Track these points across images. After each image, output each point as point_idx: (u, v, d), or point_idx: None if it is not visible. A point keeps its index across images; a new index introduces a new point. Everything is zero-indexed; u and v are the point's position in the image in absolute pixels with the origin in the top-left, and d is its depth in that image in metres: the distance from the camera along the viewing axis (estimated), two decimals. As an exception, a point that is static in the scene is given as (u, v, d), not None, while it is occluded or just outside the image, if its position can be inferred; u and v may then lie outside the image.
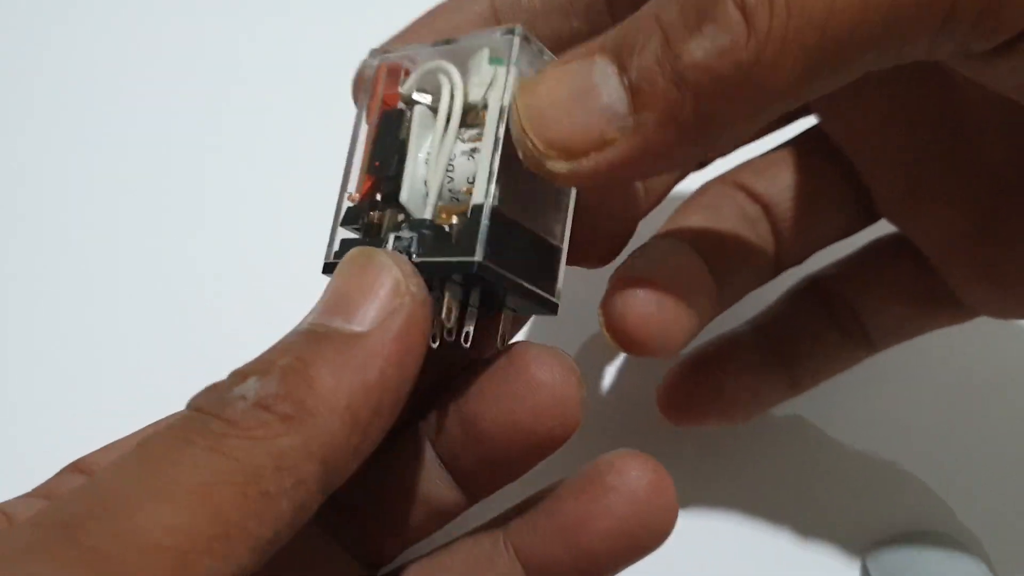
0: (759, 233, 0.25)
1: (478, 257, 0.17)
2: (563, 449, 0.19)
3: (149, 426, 0.19)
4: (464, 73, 0.19)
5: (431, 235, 0.18)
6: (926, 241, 0.24)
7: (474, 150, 0.18)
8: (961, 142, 0.23)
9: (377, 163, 0.19)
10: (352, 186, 0.20)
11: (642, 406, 0.29)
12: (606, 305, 0.21)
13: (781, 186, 0.25)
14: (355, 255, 0.17)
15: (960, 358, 0.30)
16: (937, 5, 0.15)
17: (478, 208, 0.17)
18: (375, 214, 0.19)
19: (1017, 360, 0.30)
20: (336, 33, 0.35)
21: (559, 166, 0.17)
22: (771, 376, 0.26)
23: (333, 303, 0.16)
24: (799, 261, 0.26)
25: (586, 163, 0.17)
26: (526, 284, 0.18)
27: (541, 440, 0.18)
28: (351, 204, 0.19)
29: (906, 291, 0.25)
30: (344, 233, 0.20)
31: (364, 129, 0.20)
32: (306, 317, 0.17)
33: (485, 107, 0.18)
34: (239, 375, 0.15)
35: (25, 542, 0.13)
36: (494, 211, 0.17)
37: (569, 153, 0.16)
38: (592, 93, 0.16)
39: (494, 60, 0.18)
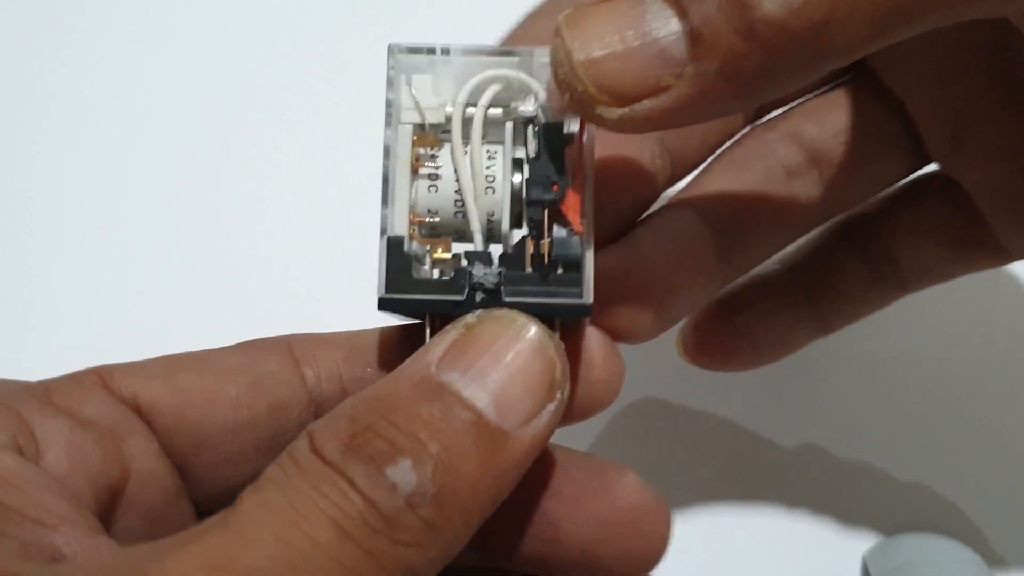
0: (796, 188, 0.23)
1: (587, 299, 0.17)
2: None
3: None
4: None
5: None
6: (974, 186, 0.23)
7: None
8: (1012, 95, 0.22)
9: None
10: None
11: (643, 404, 0.29)
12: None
13: (833, 130, 0.24)
14: (535, 346, 0.16)
15: (961, 358, 0.30)
16: None
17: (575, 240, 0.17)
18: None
19: (1018, 360, 0.30)
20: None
21: (610, 112, 0.16)
22: (800, 318, 0.25)
23: (481, 370, 0.15)
24: (847, 208, 0.25)
25: (639, 109, 0.16)
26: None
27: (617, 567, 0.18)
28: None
29: (946, 231, 0.24)
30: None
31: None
32: (433, 353, 0.15)
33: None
34: (387, 444, 0.14)
35: None
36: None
37: (622, 99, 0.16)
38: (648, 35, 0.15)
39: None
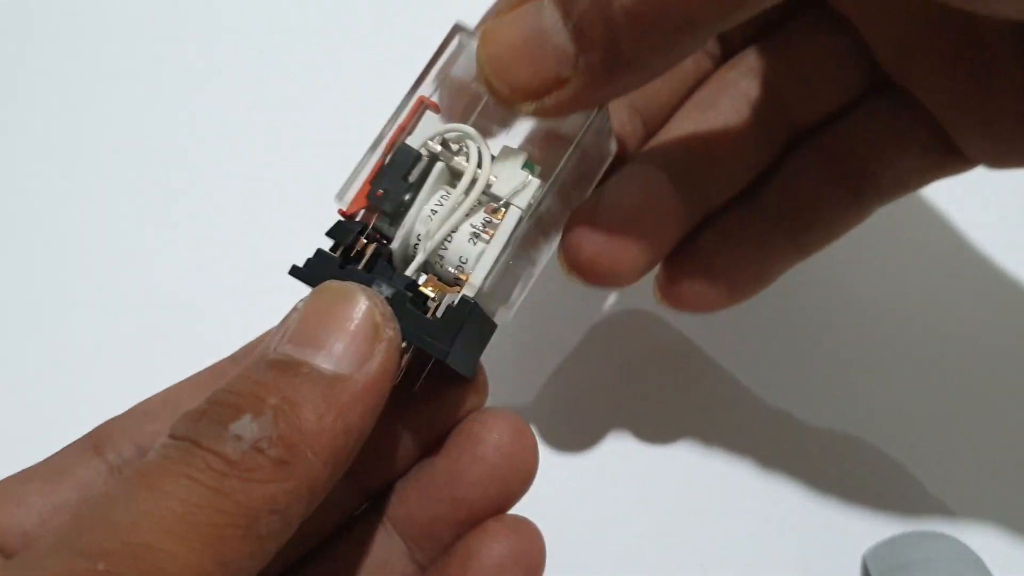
0: (760, 119, 0.25)
1: (451, 354, 0.18)
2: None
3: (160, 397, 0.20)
4: (493, 157, 0.20)
5: (411, 300, 0.18)
6: (928, 96, 0.24)
7: (477, 235, 0.19)
8: (947, 8, 0.23)
9: (380, 192, 0.19)
10: (348, 197, 0.20)
11: (643, 403, 0.30)
12: (564, 242, 0.22)
13: (790, 59, 0.25)
14: (332, 288, 0.17)
15: (960, 359, 0.30)
16: None
17: (465, 303, 0.18)
18: (362, 241, 0.19)
19: (1016, 362, 0.30)
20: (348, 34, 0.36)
21: (526, 107, 0.19)
22: (775, 247, 0.26)
23: (305, 334, 0.17)
24: (810, 132, 0.26)
25: (548, 101, 0.19)
26: (459, 372, 0.19)
27: (497, 501, 0.20)
28: (341, 218, 0.20)
29: (919, 142, 0.25)
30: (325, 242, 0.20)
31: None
32: (271, 340, 0.17)
33: (506, 206, 0.19)
34: (230, 408, 0.16)
35: (52, 575, 0.13)
36: (477, 309, 0.18)
37: (532, 95, 0.19)
38: (543, 38, 0.18)
39: (527, 166, 0.20)
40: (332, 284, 0.17)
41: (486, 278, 0.19)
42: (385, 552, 0.20)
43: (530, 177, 0.19)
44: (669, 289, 0.25)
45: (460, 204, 0.19)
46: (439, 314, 0.18)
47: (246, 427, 0.15)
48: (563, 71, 0.18)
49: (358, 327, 0.17)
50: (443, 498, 0.20)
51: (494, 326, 0.20)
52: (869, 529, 0.28)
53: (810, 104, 0.25)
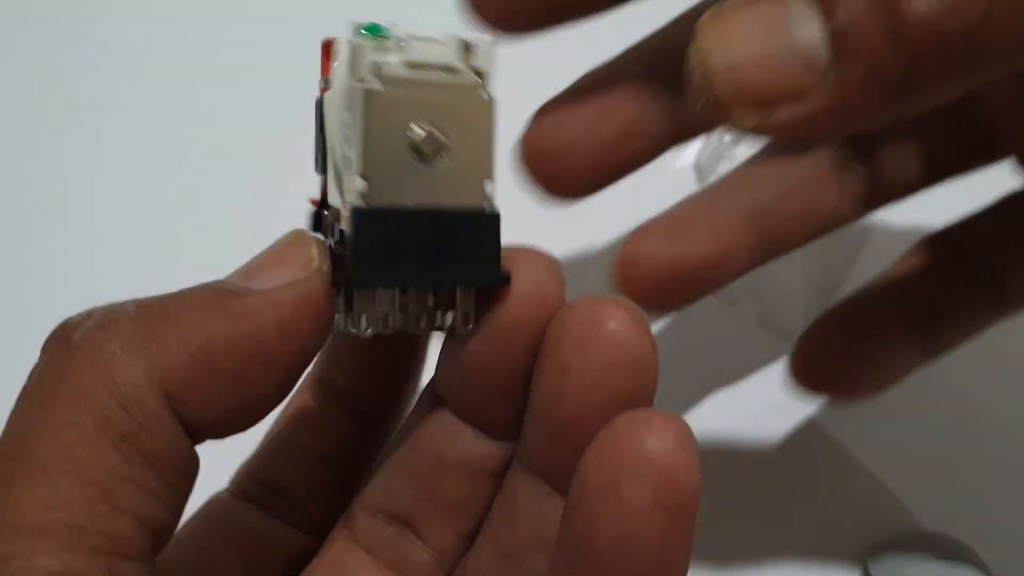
0: (845, 183, 0.23)
1: (355, 271, 0.15)
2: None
3: None
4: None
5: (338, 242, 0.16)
6: None
7: (347, 136, 0.16)
8: None
9: (316, 160, 0.17)
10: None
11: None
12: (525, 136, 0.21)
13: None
14: (287, 234, 0.16)
15: (960, 360, 0.30)
16: None
17: (355, 212, 0.15)
18: (326, 214, 0.17)
19: (1016, 363, 0.30)
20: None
21: (747, 118, 0.15)
22: (908, 345, 0.24)
23: (246, 269, 0.16)
24: (897, 199, 0.24)
25: (780, 115, 0.15)
26: (434, 282, 0.16)
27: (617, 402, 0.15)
28: (313, 208, 0.17)
29: None
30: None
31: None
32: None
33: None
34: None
35: None
36: (362, 212, 0.15)
37: (760, 103, 0.15)
38: (789, 37, 0.15)
39: (371, 29, 0.16)
40: (290, 231, 0.16)
41: (363, 174, 0.15)
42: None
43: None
44: (808, 373, 0.24)
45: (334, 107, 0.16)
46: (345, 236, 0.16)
47: (100, 310, 0.14)
48: (806, 81, 0.15)
49: (290, 258, 0.16)
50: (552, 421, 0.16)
51: (496, 215, 0.16)
52: (869, 529, 0.27)
53: (900, 178, 0.23)
